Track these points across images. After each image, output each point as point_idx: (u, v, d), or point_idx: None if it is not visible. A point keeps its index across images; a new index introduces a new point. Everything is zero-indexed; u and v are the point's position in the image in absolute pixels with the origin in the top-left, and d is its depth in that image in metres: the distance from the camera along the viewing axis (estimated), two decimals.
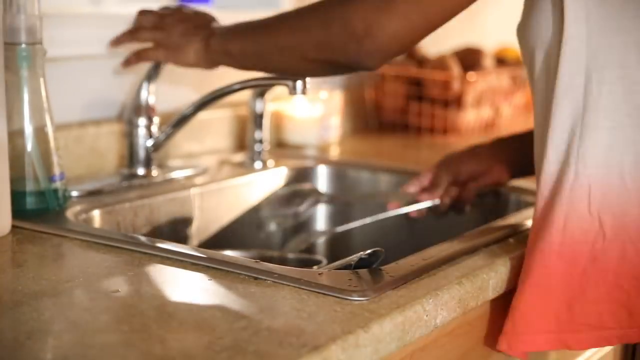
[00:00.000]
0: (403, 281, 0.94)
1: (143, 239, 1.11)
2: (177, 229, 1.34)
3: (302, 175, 1.56)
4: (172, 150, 1.53)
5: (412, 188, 1.35)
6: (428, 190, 1.34)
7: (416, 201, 1.34)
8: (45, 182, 1.14)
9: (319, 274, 0.97)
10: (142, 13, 1.34)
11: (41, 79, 1.14)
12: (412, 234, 1.48)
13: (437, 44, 2.16)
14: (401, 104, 1.99)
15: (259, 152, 1.54)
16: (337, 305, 0.87)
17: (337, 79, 1.94)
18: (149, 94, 1.38)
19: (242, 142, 1.65)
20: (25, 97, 1.12)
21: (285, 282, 0.92)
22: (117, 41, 1.35)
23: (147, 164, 1.38)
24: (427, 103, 1.96)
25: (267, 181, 1.51)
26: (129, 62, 1.35)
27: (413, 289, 0.92)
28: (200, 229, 1.38)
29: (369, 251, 0.99)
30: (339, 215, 1.55)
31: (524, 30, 1.06)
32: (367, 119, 2.00)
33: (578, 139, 0.99)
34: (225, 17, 1.70)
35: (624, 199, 0.99)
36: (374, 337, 0.82)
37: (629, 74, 0.98)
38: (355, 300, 0.88)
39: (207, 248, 1.28)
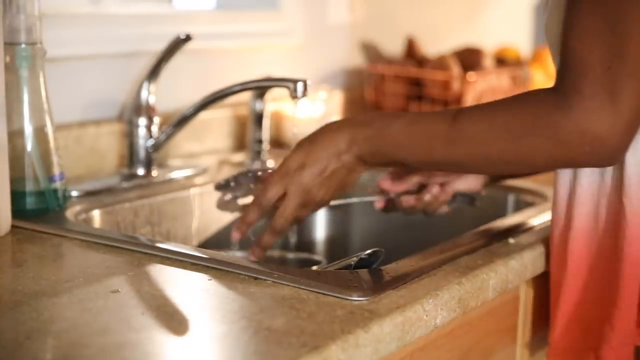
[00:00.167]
0: (403, 281, 0.94)
1: (143, 239, 1.11)
2: (177, 229, 1.34)
3: None
4: (172, 150, 1.53)
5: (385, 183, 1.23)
6: (393, 181, 1.22)
7: (383, 191, 1.23)
8: (45, 182, 1.14)
9: (319, 274, 0.97)
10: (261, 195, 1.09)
11: (41, 79, 1.14)
12: (412, 234, 1.48)
13: (437, 44, 2.17)
14: (401, 104, 1.99)
15: (259, 152, 1.54)
16: (337, 305, 0.87)
17: (337, 79, 1.94)
18: (149, 94, 1.38)
19: (242, 142, 1.66)
20: (25, 97, 1.12)
21: (285, 282, 0.92)
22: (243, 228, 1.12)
23: (147, 164, 1.38)
24: (427, 103, 1.96)
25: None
26: (257, 254, 1.12)
27: (413, 289, 0.92)
28: (200, 229, 1.38)
29: (369, 251, 0.99)
30: (339, 214, 1.55)
31: (552, 26, 1.04)
32: None
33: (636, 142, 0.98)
34: (226, 17, 1.70)
35: None
36: (374, 337, 0.82)
37: None
38: (355, 300, 0.88)
39: (207, 248, 1.28)
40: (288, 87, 1.26)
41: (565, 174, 1.06)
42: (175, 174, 1.41)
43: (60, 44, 1.32)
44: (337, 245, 1.54)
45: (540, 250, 1.12)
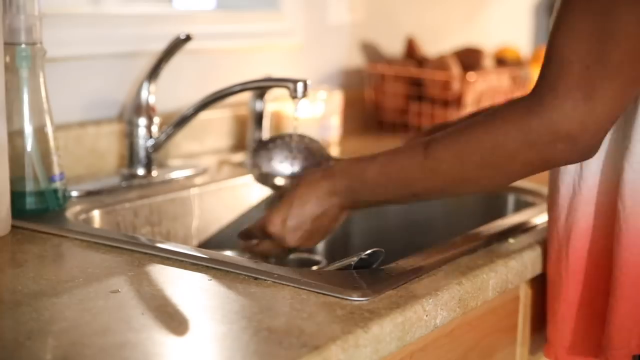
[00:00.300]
0: (403, 281, 0.94)
1: (143, 239, 1.11)
2: (177, 229, 1.34)
3: None
4: (172, 150, 1.53)
5: None
6: None
7: None
8: (45, 182, 1.14)
9: (319, 274, 0.97)
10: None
11: (41, 79, 1.14)
12: (412, 234, 1.48)
13: (437, 44, 2.17)
14: (401, 104, 1.99)
15: None
16: (337, 305, 0.87)
17: (337, 79, 1.94)
18: (149, 94, 1.38)
19: (242, 142, 1.65)
20: (25, 97, 1.12)
21: (285, 282, 0.92)
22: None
23: (147, 164, 1.38)
24: (427, 103, 1.96)
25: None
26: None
27: (413, 289, 0.92)
28: (200, 229, 1.38)
29: (369, 251, 0.99)
30: None
31: None
32: (367, 119, 2.00)
33: None
34: (226, 17, 1.70)
35: None
36: (374, 337, 0.82)
37: None
38: (355, 300, 0.88)
39: (207, 248, 1.28)
40: (288, 87, 1.25)
41: (566, 174, 1.07)
42: (175, 174, 1.41)
43: (60, 44, 1.32)
44: (337, 245, 1.54)
45: (540, 250, 1.12)
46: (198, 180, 1.41)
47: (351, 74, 1.98)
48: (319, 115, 1.75)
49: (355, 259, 0.98)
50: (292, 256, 1.29)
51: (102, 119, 1.44)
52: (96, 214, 1.22)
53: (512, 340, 1.15)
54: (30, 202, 1.13)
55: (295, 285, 0.91)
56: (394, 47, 2.08)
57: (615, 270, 1.03)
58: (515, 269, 1.06)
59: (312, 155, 1.17)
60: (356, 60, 2.00)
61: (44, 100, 1.14)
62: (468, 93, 1.94)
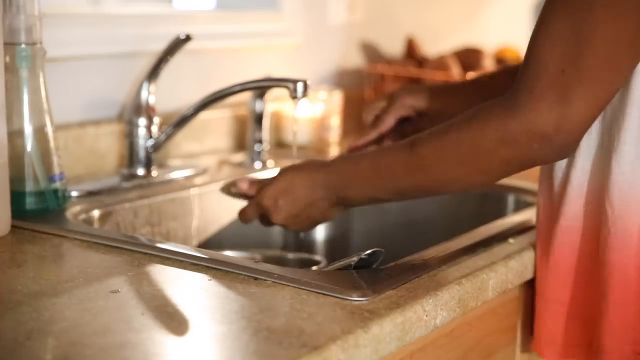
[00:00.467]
0: (403, 281, 0.94)
1: (143, 239, 1.11)
2: (177, 229, 1.34)
3: None
4: (172, 150, 1.53)
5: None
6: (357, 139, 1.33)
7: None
8: (45, 182, 1.14)
9: (319, 274, 0.97)
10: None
11: (41, 79, 1.14)
12: (412, 234, 1.48)
13: (437, 44, 2.17)
14: None
15: (259, 152, 1.54)
16: (337, 305, 0.87)
17: (337, 79, 1.94)
18: (149, 94, 1.38)
19: (242, 142, 1.65)
20: (25, 97, 1.12)
21: (285, 282, 0.92)
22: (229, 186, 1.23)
23: (147, 164, 1.38)
24: None
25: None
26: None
27: (413, 289, 0.92)
28: (200, 229, 1.38)
29: (369, 251, 0.99)
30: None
31: None
32: None
33: None
34: (226, 17, 1.70)
35: None
36: (374, 337, 0.82)
37: None
38: (355, 300, 0.88)
39: (207, 248, 1.28)
40: (288, 87, 1.26)
41: (553, 176, 1.07)
42: (175, 174, 1.41)
43: (60, 44, 1.32)
44: (337, 245, 1.54)
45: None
46: (198, 180, 1.41)
47: (351, 74, 1.98)
48: (318, 115, 1.75)
49: (355, 259, 0.98)
50: (291, 256, 1.29)
51: (102, 119, 1.44)
52: (96, 214, 1.22)
53: (512, 340, 1.15)
54: (30, 202, 1.13)
55: (295, 285, 0.91)
56: (393, 47, 2.08)
57: (604, 274, 1.03)
58: (515, 269, 1.06)
59: None
60: (356, 60, 2.00)
61: (44, 100, 1.14)
62: None
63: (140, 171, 1.38)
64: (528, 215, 1.24)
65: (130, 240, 1.06)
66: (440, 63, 1.95)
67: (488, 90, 1.15)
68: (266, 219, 1.17)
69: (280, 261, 1.30)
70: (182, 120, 1.38)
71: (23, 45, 1.11)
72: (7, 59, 1.10)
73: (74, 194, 1.25)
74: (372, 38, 2.04)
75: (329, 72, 1.92)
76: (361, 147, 1.30)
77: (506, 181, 1.39)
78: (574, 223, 1.06)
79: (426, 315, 0.90)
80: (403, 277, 0.95)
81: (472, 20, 2.37)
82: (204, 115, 1.46)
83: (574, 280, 1.07)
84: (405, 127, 1.31)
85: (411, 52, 2.04)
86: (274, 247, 1.48)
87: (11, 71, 1.11)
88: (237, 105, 1.65)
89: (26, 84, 1.12)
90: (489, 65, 2.04)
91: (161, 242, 1.06)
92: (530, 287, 1.15)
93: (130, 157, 1.38)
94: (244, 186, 1.18)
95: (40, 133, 1.14)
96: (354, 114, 1.93)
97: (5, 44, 1.09)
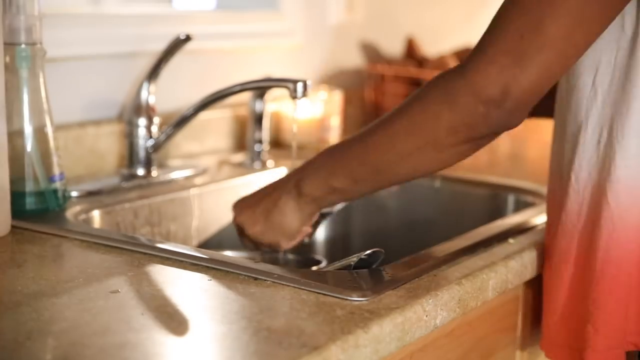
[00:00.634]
0: (403, 281, 0.94)
1: (143, 239, 1.11)
2: (177, 229, 1.34)
3: None
4: (172, 150, 1.53)
5: None
6: None
7: None
8: (45, 183, 1.14)
9: (319, 274, 0.97)
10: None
11: (41, 79, 1.14)
12: (412, 234, 1.48)
13: (437, 44, 2.17)
14: None
15: (259, 153, 1.54)
16: (337, 305, 0.87)
17: (337, 79, 1.94)
18: (149, 94, 1.38)
19: (242, 142, 1.65)
20: (25, 97, 1.12)
21: (285, 283, 0.92)
22: None
23: (147, 164, 1.38)
24: None
25: (266, 182, 1.50)
26: None
27: (413, 289, 0.92)
28: (200, 229, 1.38)
29: (369, 251, 0.99)
30: (339, 215, 1.55)
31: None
32: (367, 119, 2.00)
33: None
34: (226, 17, 1.70)
35: None
36: (374, 338, 0.82)
37: None
38: (355, 301, 0.88)
39: (207, 248, 1.28)
40: (288, 88, 1.26)
41: (561, 166, 1.07)
42: (175, 174, 1.41)
43: (60, 44, 1.32)
44: (337, 245, 1.54)
45: (540, 250, 1.12)
46: (198, 180, 1.41)
47: (351, 74, 1.98)
48: (318, 116, 1.75)
49: (355, 259, 0.98)
50: (291, 256, 1.29)
51: (102, 119, 1.44)
52: (96, 214, 1.22)
53: (512, 341, 1.15)
54: (30, 202, 1.13)
55: (295, 285, 0.91)
56: (393, 47, 2.08)
57: (604, 267, 1.03)
58: (515, 270, 1.06)
59: None
60: (356, 60, 2.00)
61: (44, 100, 1.14)
62: None
63: (140, 171, 1.38)
64: (528, 215, 1.24)
65: (130, 240, 1.06)
66: (440, 63, 1.95)
67: None
68: (245, 236, 1.17)
69: (280, 261, 1.30)
70: (182, 120, 1.38)
71: (23, 46, 1.11)
72: (7, 59, 1.10)
73: (74, 194, 1.25)
74: (372, 38, 2.04)
75: (329, 72, 1.92)
76: None
77: (506, 181, 1.40)
78: (578, 219, 1.06)
79: (426, 316, 0.89)
80: (403, 277, 0.95)
81: (472, 20, 2.36)
82: (204, 115, 1.46)
83: (575, 276, 1.07)
84: None
85: (411, 52, 2.04)
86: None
87: (11, 71, 1.11)
88: (237, 105, 1.65)
89: (26, 84, 1.12)
90: None
91: (161, 242, 1.06)
92: (530, 287, 1.15)
93: (130, 157, 1.38)
94: None
95: (40, 133, 1.14)
96: (354, 114, 1.93)
97: (5, 44, 1.09)
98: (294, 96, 1.25)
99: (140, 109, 1.37)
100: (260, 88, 1.47)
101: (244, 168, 1.52)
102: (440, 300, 0.92)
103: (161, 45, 1.38)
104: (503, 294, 1.05)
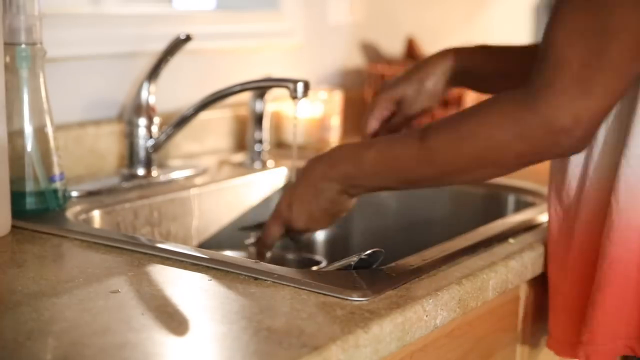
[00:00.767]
0: (403, 281, 0.94)
1: (143, 239, 1.11)
2: (177, 229, 1.34)
3: None
4: (172, 150, 1.53)
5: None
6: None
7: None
8: (45, 183, 1.14)
9: (319, 274, 0.97)
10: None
11: (41, 79, 1.14)
12: (412, 234, 1.48)
13: (437, 44, 2.16)
14: None
15: (259, 153, 1.54)
16: (337, 305, 0.87)
17: (337, 79, 1.94)
18: (149, 94, 1.38)
19: (242, 142, 1.65)
20: (25, 97, 1.12)
21: (285, 283, 0.92)
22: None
23: (147, 164, 1.38)
24: None
25: (266, 181, 1.50)
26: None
27: (413, 289, 0.92)
28: (200, 229, 1.38)
29: (369, 251, 0.99)
30: None
31: None
32: None
33: None
34: (226, 17, 1.70)
35: None
36: (374, 338, 0.82)
37: None
38: (355, 301, 0.88)
39: (207, 248, 1.28)
40: (288, 88, 1.26)
41: (565, 165, 1.07)
42: (175, 174, 1.41)
43: (60, 44, 1.32)
44: (337, 245, 1.54)
45: (540, 250, 1.12)
46: (198, 180, 1.41)
47: (351, 74, 1.98)
48: (319, 116, 1.75)
49: (355, 259, 0.98)
50: (291, 256, 1.30)
51: (102, 119, 1.44)
52: (96, 214, 1.22)
53: (512, 341, 1.15)
54: (30, 202, 1.13)
55: (295, 285, 0.91)
56: (394, 47, 2.08)
57: (603, 266, 1.03)
58: (515, 269, 1.06)
59: None
60: (356, 60, 2.00)
61: (44, 100, 1.14)
62: (468, 93, 1.94)
63: (141, 171, 1.38)
64: (528, 215, 1.24)
65: (131, 240, 1.06)
66: None
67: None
68: (292, 231, 1.17)
69: (280, 261, 1.30)
70: (182, 121, 1.38)
71: (23, 46, 1.11)
72: (7, 59, 1.10)
73: (74, 194, 1.25)
74: (372, 38, 2.04)
75: (329, 72, 1.92)
76: None
77: (506, 181, 1.40)
78: (580, 216, 1.06)
79: (426, 316, 0.89)
80: (403, 277, 0.95)
81: (472, 20, 2.37)
82: (204, 115, 1.46)
83: (578, 273, 1.07)
84: (394, 121, 1.28)
85: (411, 52, 2.04)
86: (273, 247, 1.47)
87: (11, 71, 1.11)
88: (237, 105, 1.65)
89: (26, 84, 1.12)
90: None
91: (161, 242, 1.06)
92: (530, 287, 1.15)
93: (130, 157, 1.38)
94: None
95: (40, 133, 1.14)
96: (354, 114, 1.93)
97: (5, 44, 1.09)
98: (294, 96, 1.25)
99: (140, 109, 1.37)
100: (260, 88, 1.47)
101: (244, 168, 1.52)
102: (441, 300, 0.92)
103: (161, 45, 1.38)
104: (503, 294, 1.05)
